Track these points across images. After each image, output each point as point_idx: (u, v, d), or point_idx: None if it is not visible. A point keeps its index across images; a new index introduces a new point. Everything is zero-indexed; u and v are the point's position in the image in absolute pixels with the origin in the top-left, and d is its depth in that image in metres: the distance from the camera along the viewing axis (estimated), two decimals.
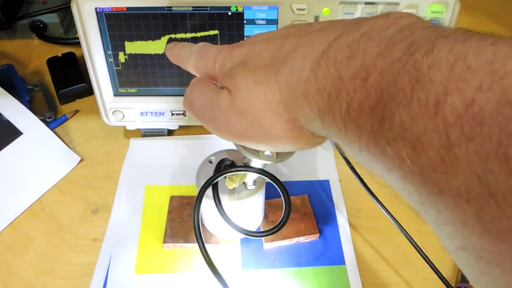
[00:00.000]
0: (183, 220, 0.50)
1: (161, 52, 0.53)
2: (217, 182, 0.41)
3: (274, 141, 0.30)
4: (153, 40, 0.52)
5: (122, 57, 0.53)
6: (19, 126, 0.59)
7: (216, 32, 0.51)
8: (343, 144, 0.25)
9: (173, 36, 0.51)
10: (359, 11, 0.48)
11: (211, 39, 0.52)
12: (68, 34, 0.77)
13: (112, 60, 0.53)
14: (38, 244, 0.50)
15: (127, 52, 0.53)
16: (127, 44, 0.52)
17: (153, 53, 0.53)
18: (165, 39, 0.52)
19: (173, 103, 0.57)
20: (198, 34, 0.51)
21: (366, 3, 0.48)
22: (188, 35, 0.51)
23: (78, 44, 0.57)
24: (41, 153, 0.58)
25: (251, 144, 0.32)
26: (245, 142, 0.32)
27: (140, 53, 0.53)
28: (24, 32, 0.75)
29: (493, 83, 0.17)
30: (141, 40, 0.52)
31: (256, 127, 0.29)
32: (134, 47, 0.52)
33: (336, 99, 0.23)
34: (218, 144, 0.59)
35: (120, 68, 0.54)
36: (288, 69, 0.27)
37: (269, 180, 0.42)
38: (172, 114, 0.58)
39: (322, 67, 0.24)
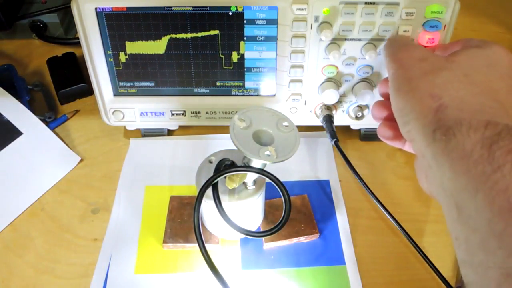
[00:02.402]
0: (183, 220, 0.50)
1: (161, 52, 0.53)
2: (217, 182, 0.41)
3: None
4: (153, 40, 0.52)
5: (122, 57, 0.53)
6: (19, 126, 0.59)
7: (217, 32, 0.51)
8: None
9: (173, 36, 0.51)
10: (359, 11, 0.48)
11: (212, 39, 0.52)
12: (68, 34, 0.77)
13: (112, 60, 0.53)
14: (38, 244, 0.50)
15: (128, 52, 0.53)
16: (127, 44, 0.52)
17: (153, 53, 0.53)
18: (165, 39, 0.52)
19: (173, 103, 0.57)
20: (199, 34, 0.51)
21: (366, 3, 0.48)
22: (189, 35, 0.51)
23: (78, 44, 0.57)
24: (41, 153, 0.58)
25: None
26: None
27: (140, 53, 0.53)
28: (24, 32, 0.75)
29: None
30: (141, 40, 0.52)
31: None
32: (134, 47, 0.52)
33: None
34: (218, 144, 0.59)
35: (120, 68, 0.54)
36: None
37: (269, 180, 0.42)
38: (172, 114, 0.58)
39: None
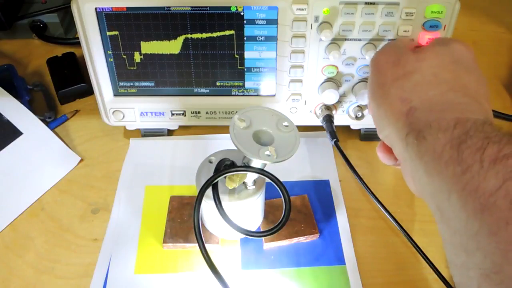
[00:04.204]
0: (183, 220, 0.50)
1: (160, 52, 0.53)
2: (217, 182, 0.41)
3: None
4: (153, 40, 0.52)
5: (122, 57, 0.53)
6: (19, 126, 0.59)
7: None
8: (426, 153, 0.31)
9: (189, 36, 0.51)
10: (359, 11, 0.48)
11: (212, 40, 0.52)
12: (68, 34, 0.77)
13: (112, 60, 0.53)
14: (38, 244, 0.50)
15: (127, 52, 0.53)
16: (127, 44, 0.52)
17: (153, 53, 0.53)
18: (165, 39, 0.52)
19: (173, 103, 0.57)
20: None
21: (366, 3, 0.48)
22: (188, 35, 0.51)
23: (78, 44, 0.57)
24: (41, 153, 0.58)
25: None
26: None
27: (141, 53, 0.53)
28: (24, 32, 0.75)
29: None
30: (140, 41, 0.52)
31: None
32: (135, 47, 0.52)
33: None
34: (218, 144, 0.59)
35: (120, 68, 0.54)
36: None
37: (269, 180, 0.42)
38: (172, 114, 0.58)
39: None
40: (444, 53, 0.36)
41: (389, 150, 0.39)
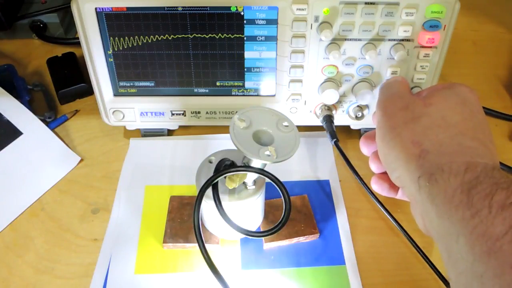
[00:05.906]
0: (183, 220, 0.50)
1: (160, 51, 0.53)
2: (217, 182, 0.41)
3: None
4: (153, 40, 0.52)
5: (122, 57, 0.53)
6: (19, 126, 0.59)
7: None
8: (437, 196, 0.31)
9: (189, 36, 0.51)
10: (359, 11, 0.48)
11: (212, 40, 0.52)
12: (68, 34, 0.77)
13: (112, 60, 0.53)
14: (38, 244, 0.50)
15: (128, 52, 0.53)
16: (127, 44, 0.52)
17: (153, 53, 0.53)
18: (165, 39, 0.52)
19: (173, 103, 0.57)
20: (206, 35, 0.51)
21: (366, 3, 0.48)
22: (192, 35, 0.51)
23: (78, 44, 0.57)
24: (41, 153, 0.58)
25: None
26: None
27: (141, 52, 0.53)
28: (24, 32, 0.75)
29: None
30: (141, 41, 0.52)
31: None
32: (134, 47, 0.52)
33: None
34: (218, 144, 0.59)
35: (120, 68, 0.54)
36: None
37: (269, 180, 0.42)
38: (172, 114, 0.58)
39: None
40: (451, 96, 0.37)
41: (386, 180, 0.41)
